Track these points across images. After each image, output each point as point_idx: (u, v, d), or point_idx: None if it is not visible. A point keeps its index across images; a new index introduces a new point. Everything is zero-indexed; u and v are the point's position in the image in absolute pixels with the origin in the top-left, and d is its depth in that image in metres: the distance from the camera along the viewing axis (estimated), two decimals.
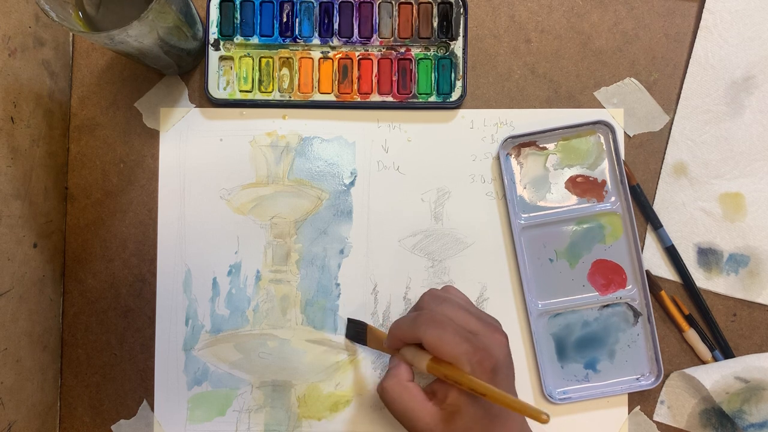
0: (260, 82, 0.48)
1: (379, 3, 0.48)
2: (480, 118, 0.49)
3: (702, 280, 0.48)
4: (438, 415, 0.37)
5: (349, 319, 0.47)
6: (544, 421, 0.32)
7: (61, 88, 0.48)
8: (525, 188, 0.48)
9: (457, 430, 0.36)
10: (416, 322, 0.37)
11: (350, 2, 0.48)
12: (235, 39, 0.48)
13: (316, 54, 0.48)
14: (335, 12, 0.48)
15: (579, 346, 0.48)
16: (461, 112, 0.49)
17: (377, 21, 0.48)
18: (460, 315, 0.38)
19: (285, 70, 0.48)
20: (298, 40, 0.48)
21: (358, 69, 0.48)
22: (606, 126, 0.48)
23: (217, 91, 0.48)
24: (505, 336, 0.39)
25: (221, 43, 0.47)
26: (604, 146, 0.48)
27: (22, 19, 0.43)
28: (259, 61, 0.48)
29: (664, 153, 0.49)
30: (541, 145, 0.48)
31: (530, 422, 0.47)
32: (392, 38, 0.48)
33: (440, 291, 0.42)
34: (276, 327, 0.48)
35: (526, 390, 0.47)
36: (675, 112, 0.49)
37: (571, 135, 0.48)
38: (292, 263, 0.48)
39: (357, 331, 0.46)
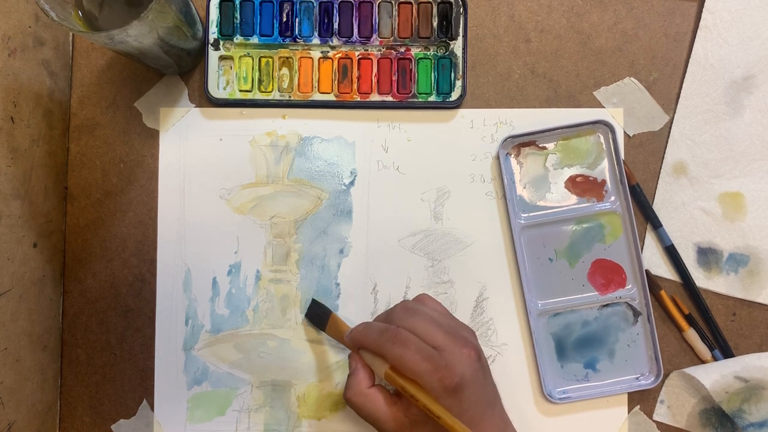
0: (260, 81, 0.48)
1: (379, 3, 0.48)
2: (480, 118, 0.49)
3: (702, 279, 0.48)
4: (402, 421, 0.37)
5: (314, 300, 0.47)
6: None
7: (60, 88, 0.48)
8: (525, 188, 0.48)
9: None
10: (382, 336, 0.37)
11: (350, 2, 0.48)
12: (234, 39, 0.48)
13: (316, 54, 0.48)
14: (335, 12, 0.48)
15: (579, 346, 0.48)
16: (461, 111, 0.49)
17: (377, 21, 0.48)
18: (428, 329, 0.37)
19: (285, 70, 0.48)
20: (297, 40, 0.48)
21: (358, 69, 0.48)
22: (606, 126, 0.48)
23: (216, 90, 0.48)
24: (476, 349, 0.38)
25: (221, 42, 0.47)
26: (603, 146, 0.48)
27: (21, 18, 0.43)
28: (259, 60, 0.48)
29: (664, 152, 0.49)
30: (540, 145, 0.48)
31: (528, 418, 0.47)
32: (392, 38, 0.48)
33: (413, 302, 0.41)
34: (276, 327, 0.48)
35: (525, 390, 0.47)
36: (675, 112, 0.49)
37: (570, 135, 0.48)
38: (292, 263, 0.48)
39: (319, 315, 0.46)
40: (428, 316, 0.39)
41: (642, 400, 0.48)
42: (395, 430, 0.37)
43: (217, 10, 0.47)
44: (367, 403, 0.38)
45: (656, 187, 0.48)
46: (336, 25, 0.48)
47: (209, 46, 0.47)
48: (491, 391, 0.39)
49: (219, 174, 0.48)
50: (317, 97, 0.48)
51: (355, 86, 0.48)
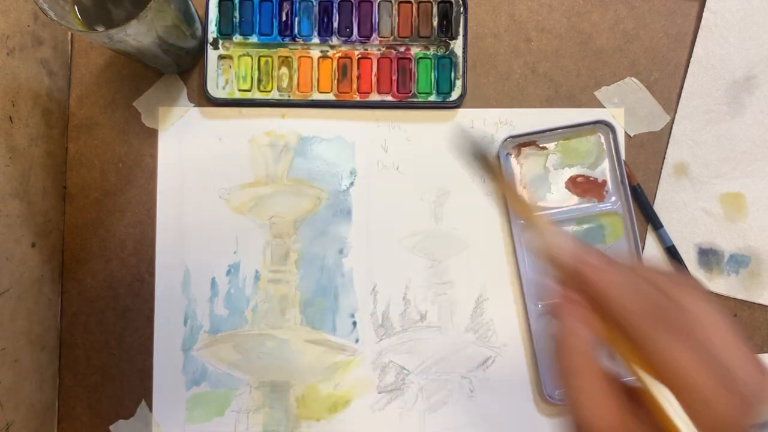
0: (259, 81, 0.48)
1: (379, 2, 0.48)
2: (480, 118, 0.48)
3: (702, 280, 0.48)
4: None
5: (464, 132, 0.31)
6: None
7: (59, 87, 0.48)
8: (525, 188, 0.48)
9: None
10: (647, 312, 0.23)
11: (350, 1, 0.48)
12: (234, 38, 0.47)
13: (316, 53, 0.48)
14: (335, 11, 0.48)
15: None
16: (461, 111, 0.48)
17: (377, 20, 0.48)
18: (721, 335, 0.23)
19: (284, 69, 0.48)
20: (297, 39, 0.48)
21: (358, 68, 0.48)
22: (606, 126, 0.48)
23: (216, 90, 0.47)
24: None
25: (220, 41, 0.47)
26: (604, 146, 0.48)
27: (20, 17, 0.43)
28: (258, 60, 0.48)
29: (665, 153, 0.48)
30: (541, 145, 0.48)
31: (528, 418, 0.47)
32: (392, 37, 0.48)
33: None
34: (275, 327, 0.48)
35: (525, 391, 0.47)
36: (676, 112, 0.48)
37: (571, 135, 0.48)
38: (291, 263, 0.48)
39: (478, 156, 0.31)
40: (726, 318, 0.24)
41: None
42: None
43: (217, 9, 0.47)
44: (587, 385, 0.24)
45: (657, 188, 0.48)
46: (335, 25, 0.48)
47: (208, 45, 0.47)
48: None
49: (218, 174, 0.48)
50: (316, 96, 0.48)
51: (354, 86, 0.48)
